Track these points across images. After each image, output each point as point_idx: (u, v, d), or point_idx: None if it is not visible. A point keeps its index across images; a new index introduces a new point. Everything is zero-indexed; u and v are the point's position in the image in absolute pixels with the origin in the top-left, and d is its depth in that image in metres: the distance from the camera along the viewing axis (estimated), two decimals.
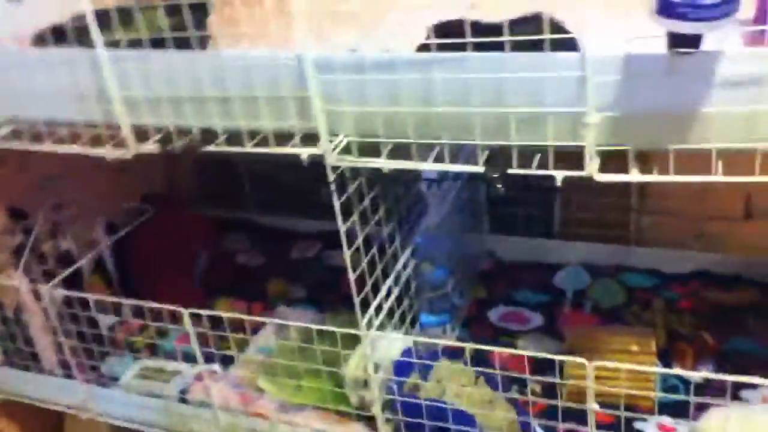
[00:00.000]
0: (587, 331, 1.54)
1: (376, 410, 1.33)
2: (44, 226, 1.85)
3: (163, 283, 1.91)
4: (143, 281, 1.96)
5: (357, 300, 1.24)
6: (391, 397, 1.30)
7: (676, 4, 0.75)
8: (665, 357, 1.48)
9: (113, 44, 1.20)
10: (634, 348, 1.42)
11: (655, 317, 1.61)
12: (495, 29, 0.97)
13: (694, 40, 0.80)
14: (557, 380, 1.17)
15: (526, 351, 1.21)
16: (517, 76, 0.95)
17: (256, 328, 1.66)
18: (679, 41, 0.81)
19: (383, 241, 1.38)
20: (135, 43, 1.19)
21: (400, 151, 1.10)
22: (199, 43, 1.15)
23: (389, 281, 1.40)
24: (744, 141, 0.88)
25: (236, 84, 1.13)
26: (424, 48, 1.03)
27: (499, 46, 0.95)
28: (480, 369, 1.25)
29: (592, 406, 1.13)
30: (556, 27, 0.96)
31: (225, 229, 2.29)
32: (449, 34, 1.01)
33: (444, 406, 1.24)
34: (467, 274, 1.78)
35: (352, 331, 1.28)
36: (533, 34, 0.93)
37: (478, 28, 0.99)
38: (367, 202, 1.26)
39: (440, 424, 1.25)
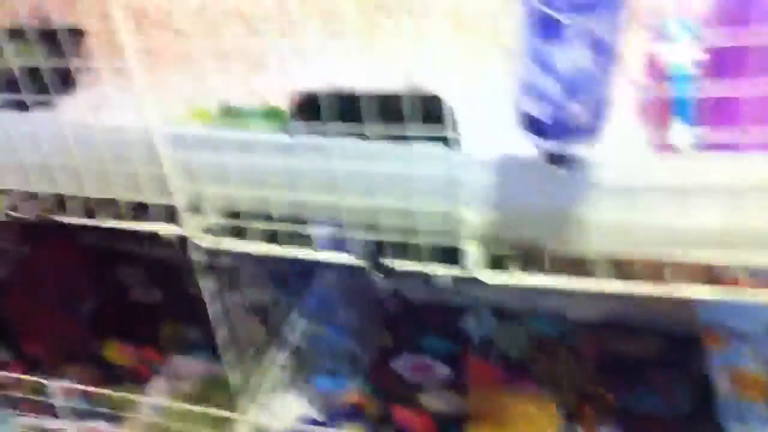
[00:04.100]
0: (490, 392, 1.48)
1: None
2: None
3: (45, 325, 1.76)
4: (24, 323, 1.80)
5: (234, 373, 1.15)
6: None
7: (540, 121, 0.67)
8: (569, 418, 1.44)
9: None
10: (536, 412, 1.37)
11: (560, 370, 1.56)
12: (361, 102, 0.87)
13: (562, 157, 0.72)
14: None
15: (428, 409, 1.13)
16: (387, 168, 0.85)
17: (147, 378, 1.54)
18: (552, 158, 0.73)
19: (266, 305, 1.27)
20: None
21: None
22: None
23: (278, 346, 1.30)
24: (622, 246, 0.82)
25: (84, 153, 1.00)
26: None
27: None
28: None
29: None
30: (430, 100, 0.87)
31: (119, 261, 2.13)
32: (316, 103, 0.91)
33: None
34: (370, 321, 1.69)
35: (229, 415, 1.18)
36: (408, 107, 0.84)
37: (350, 99, 0.89)
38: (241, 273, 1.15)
39: None
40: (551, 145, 0.69)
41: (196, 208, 0.99)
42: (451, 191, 0.82)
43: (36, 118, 1.03)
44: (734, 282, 0.82)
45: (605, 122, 0.70)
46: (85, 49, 1.37)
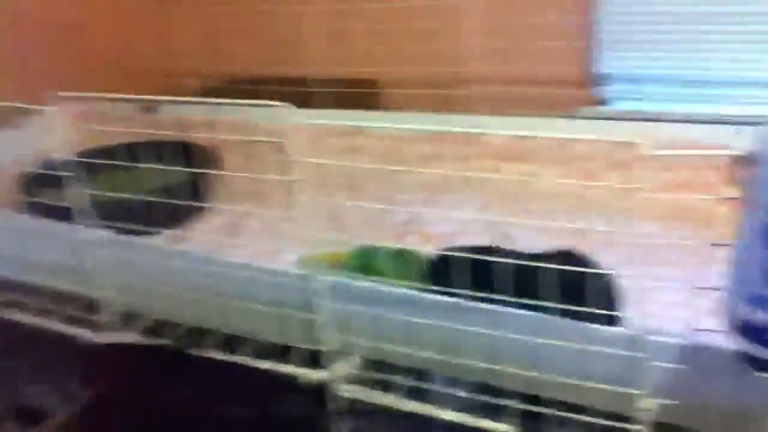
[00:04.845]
0: None
1: None
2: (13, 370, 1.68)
3: None
4: None
5: None
6: None
7: (762, 330, 0.66)
8: None
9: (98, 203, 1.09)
10: None
11: None
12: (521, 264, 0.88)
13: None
14: None
15: None
16: (554, 341, 0.84)
17: None
18: (757, 363, 0.71)
19: None
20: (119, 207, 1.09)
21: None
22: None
23: None
24: None
25: (232, 289, 1.02)
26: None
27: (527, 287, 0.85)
28: None
29: None
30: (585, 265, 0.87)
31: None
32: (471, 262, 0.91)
33: None
34: None
35: None
36: (560, 271, 0.84)
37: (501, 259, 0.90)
38: None
39: None
40: (764, 352, 0.67)
41: (340, 356, 0.98)
42: (626, 373, 0.80)
43: (184, 251, 1.06)
44: None
45: None
46: (219, 168, 1.43)
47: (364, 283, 0.94)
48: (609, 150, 1.40)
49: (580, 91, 1.75)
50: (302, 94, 1.80)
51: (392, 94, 1.93)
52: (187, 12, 2.07)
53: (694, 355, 0.77)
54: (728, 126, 1.41)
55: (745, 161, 0.70)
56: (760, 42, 1.58)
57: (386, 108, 1.92)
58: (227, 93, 2.06)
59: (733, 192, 0.73)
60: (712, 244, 0.73)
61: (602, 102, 1.76)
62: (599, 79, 1.75)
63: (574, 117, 1.67)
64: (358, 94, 1.90)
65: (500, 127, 1.54)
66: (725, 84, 1.62)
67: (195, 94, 2.00)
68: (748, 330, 0.68)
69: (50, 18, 1.87)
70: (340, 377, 0.97)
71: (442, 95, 1.79)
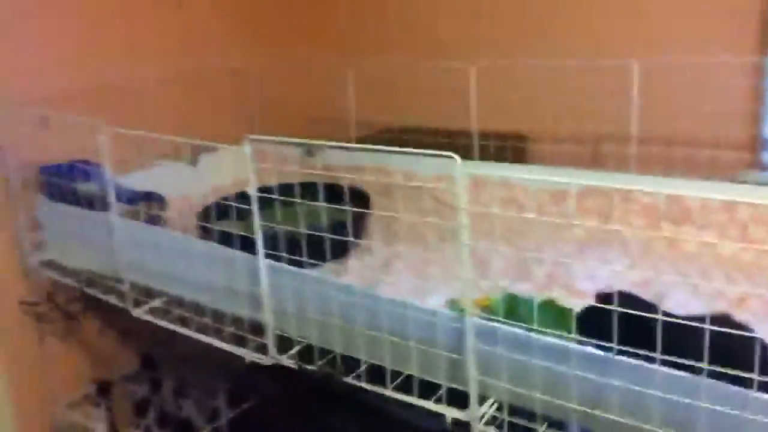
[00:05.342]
0: None
1: None
2: (170, 382, 1.86)
3: None
4: None
5: None
6: None
7: None
8: None
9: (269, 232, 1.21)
10: None
11: None
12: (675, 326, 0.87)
13: None
14: None
15: None
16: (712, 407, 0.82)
17: None
18: None
19: None
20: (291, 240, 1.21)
21: None
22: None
23: None
24: None
25: (388, 325, 1.09)
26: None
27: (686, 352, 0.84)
28: None
29: None
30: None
31: None
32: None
33: None
34: None
35: None
36: (716, 339, 0.83)
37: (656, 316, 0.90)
38: None
39: None
40: None
41: (483, 398, 1.02)
42: None
43: (345, 284, 1.15)
44: None
45: None
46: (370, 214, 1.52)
47: (512, 329, 0.97)
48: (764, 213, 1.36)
49: (743, 154, 1.70)
50: (455, 145, 1.89)
51: (543, 149, 1.97)
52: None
53: None
54: None
55: None
56: None
57: (533, 162, 1.97)
58: (382, 142, 2.20)
59: None
60: None
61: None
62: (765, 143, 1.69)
63: (734, 181, 1.62)
64: (511, 148, 1.96)
65: (655, 186, 1.52)
66: None
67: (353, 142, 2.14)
68: None
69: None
70: (479, 418, 1.01)
71: (601, 154, 1.80)
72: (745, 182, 1.63)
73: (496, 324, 0.99)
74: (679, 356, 0.85)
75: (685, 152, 1.76)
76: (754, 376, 0.80)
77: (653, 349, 0.86)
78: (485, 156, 1.95)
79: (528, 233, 1.51)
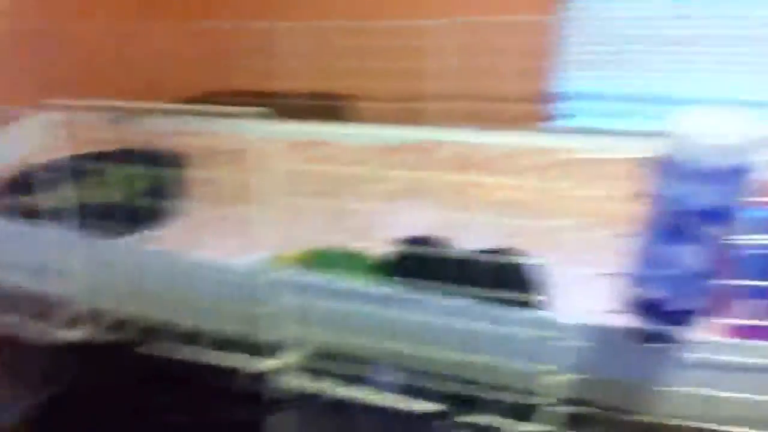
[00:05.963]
0: None
1: None
2: None
3: None
4: None
5: None
6: None
7: (651, 307, 0.76)
8: None
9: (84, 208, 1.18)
10: None
11: None
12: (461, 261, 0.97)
13: (662, 336, 0.80)
14: None
15: None
16: (478, 327, 0.93)
17: None
18: (649, 337, 0.81)
19: None
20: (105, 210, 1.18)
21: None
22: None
23: None
24: (702, 420, 0.87)
25: (183, 285, 1.11)
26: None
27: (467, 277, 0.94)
28: None
29: None
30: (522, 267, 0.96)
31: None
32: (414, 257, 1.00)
33: None
34: None
35: None
36: (497, 268, 0.93)
37: (443, 259, 0.99)
38: None
39: None
40: (656, 327, 0.77)
41: (282, 348, 1.07)
42: (540, 353, 0.89)
43: (143, 250, 1.15)
44: None
45: (706, 310, 0.79)
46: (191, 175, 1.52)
47: (319, 278, 1.03)
48: (551, 159, 1.51)
49: (537, 107, 1.86)
50: (274, 107, 1.90)
51: (359, 108, 2.04)
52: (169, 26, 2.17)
53: (596, 333, 0.87)
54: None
55: (648, 165, 0.80)
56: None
57: (352, 121, 2.03)
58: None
59: (640, 193, 0.83)
60: (617, 236, 0.84)
61: (559, 118, 1.88)
62: (556, 97, 1.87)
63: (529, 131, 1.78)
64: (325, 107, 2.01)
65: (457, 139, 1.65)
66: (667, 101, 1.74)
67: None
68: (639, 307, 0.78)
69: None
70: (286, 367, 1.06)
71: (406, 110, 1.90)
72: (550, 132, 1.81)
73: (303, 276, 1.04)
74: (472, 285, 0.94)
75: (491, 107, 1.90)
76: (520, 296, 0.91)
77: (449, 282, 0.95)
78: (303, 116, 1.99)
79: (343, 189, 1.58)
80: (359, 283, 1.02)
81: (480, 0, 1.87)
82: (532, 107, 1.86)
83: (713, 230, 0.73)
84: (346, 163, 1.73)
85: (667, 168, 0.75)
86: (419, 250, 1.01)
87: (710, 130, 0.71)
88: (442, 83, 1.81)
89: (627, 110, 1.79)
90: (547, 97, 1.87)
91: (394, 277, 1.03)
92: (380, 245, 1.30)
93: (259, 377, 1.08)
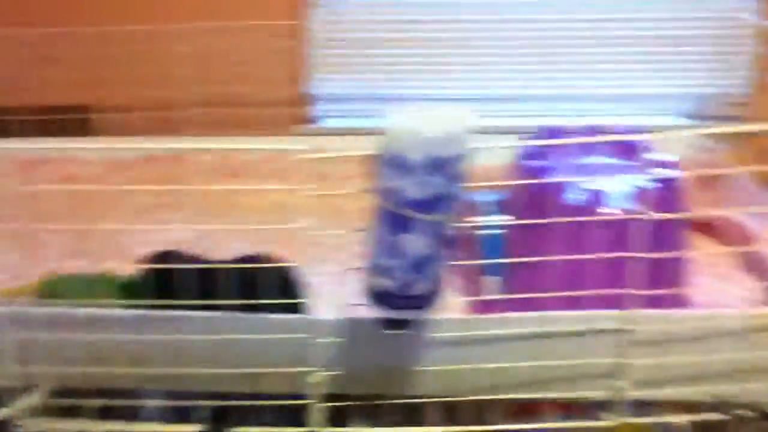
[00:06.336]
0: None
1: None
2: None
3: None
4: None
5: None
6: None
7: (386, 294, 0.79)
8: None
9: None
10: None
11: None
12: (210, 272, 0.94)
13: (401, 322, 0.84)
14: None
15: None
16: (237, 336, 0.90)
17: None
18: (388, 324, 0.85)
19: None
20: None
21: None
22: None
23: None
24: (458, 394, 0.93)
25: None
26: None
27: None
28: None
29: None
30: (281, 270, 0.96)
31: None
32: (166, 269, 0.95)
33: None
34: None
35: None
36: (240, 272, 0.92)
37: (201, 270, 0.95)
38: None
39: None
40: (393, 313, 0.80)
41: (25, 389, 0.95)
42: (299, 354, 0.89)
43: None
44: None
45: (440, 292, 0.83)
46: None
47: (44, 309, 0.92)
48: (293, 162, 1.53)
49: (291, 110, 1.87)
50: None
51: (104, 119, 1.89)
52: None
53: (348, 328, 0.89)
54: None
55: (373, 162, 0.82)
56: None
57: (99, 135, 1.88)
58: None
59: (370, 188, 0.85)
60: (355, 231, 0.86)
61: (313, 120, 1.90)
62: (310, 100, 1.89)
63: (284, 135, 1.79)
64: (67, 121, 1.83)
65: (210, 145, 1.60)
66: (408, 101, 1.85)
67: None
68: (376, 296, 0.81)
69: None
70: (24, 411, 0.94)
71: (156, 120, 1.79)
72: (298, 135, 1.81)
73: (24, 307, 0.93)
74: (221, 297, 0.90)
75: (244, 113, 1.87)
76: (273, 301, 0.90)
77: (201, 296, 0.90)
78: (45, 132, 1.79)
79: (89, 209, 1.45)
80: (98, 308, 0.93)
81: (233, 4, 1.84)
82: (289, 111, 1.86)
83: (433, 217, 0.77)
84: (92, 180, 1.60)
85: (385, 163, 0.78)
86: (164, 266, 0.95)
87: (417, 126, 0.76)
88: (197, 89, 1.73)
89: (375, 111, 1.86)
90: (303, 100, 1.88)
91: (143, 297, 0.96)
92: (129, 265, 1.21)
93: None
